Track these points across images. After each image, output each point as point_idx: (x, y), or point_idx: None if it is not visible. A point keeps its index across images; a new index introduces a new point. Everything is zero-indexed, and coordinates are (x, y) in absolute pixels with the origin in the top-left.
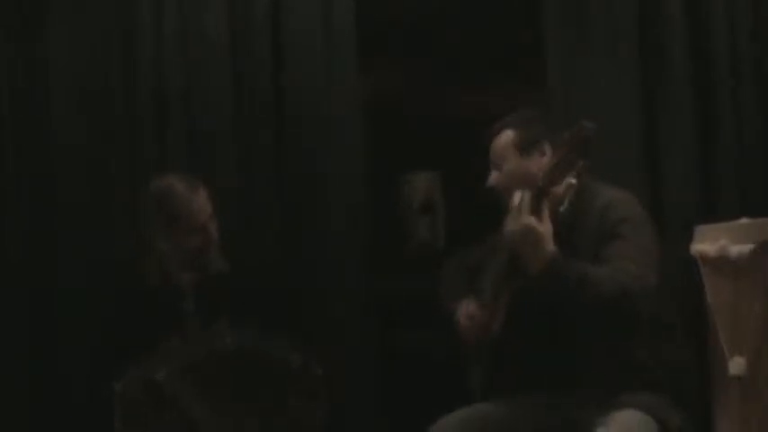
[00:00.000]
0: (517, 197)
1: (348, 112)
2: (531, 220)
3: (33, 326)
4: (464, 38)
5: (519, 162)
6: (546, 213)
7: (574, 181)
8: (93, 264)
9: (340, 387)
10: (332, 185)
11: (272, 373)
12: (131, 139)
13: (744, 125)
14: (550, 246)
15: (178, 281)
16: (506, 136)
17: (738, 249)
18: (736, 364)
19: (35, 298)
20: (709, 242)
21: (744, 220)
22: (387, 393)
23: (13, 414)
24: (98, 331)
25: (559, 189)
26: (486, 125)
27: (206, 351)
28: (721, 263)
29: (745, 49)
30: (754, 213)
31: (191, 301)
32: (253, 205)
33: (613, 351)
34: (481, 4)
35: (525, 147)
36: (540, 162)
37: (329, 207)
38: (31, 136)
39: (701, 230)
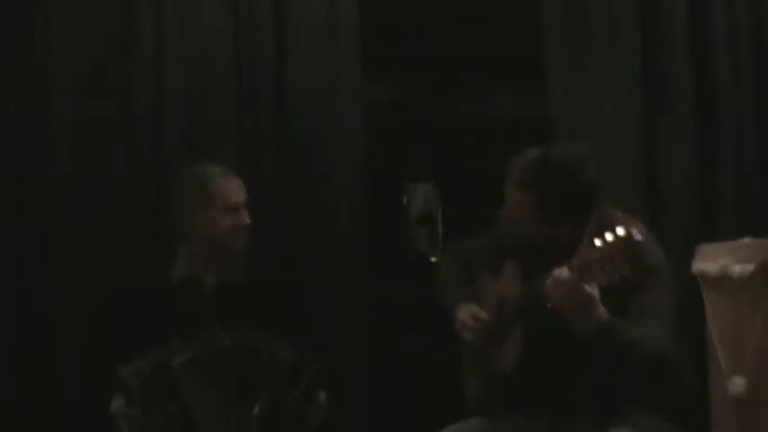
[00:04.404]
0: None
1: (351, 113)
2: (581, 284)
3: (33, 326)
4: (468, 43)
5: None
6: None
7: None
8: (93, 264)
9: (341, 389)
10: (334, 188)
11: (269, 369)
12: (130, 139)
13: (746, 142)
14: (602, 310)
15: (201, 279)
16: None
17: (740, 269)
18: (736, 384)
19: (35, 298)
20: (710, 261)
21: (746, 240)
22: (388, 397)
23: (12, 414)
24: (97, 331)
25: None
26: (491, 131)
27: (211, 348)
28: (723, 282)
29: (747, 57)
30: (756, 233)
31: (210, 302)
32: (254, 206)
33: (612, 372)
34: (485, 10)
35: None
36: None
37: (331, 209)
38: (29, 136)
39: (703, 249)
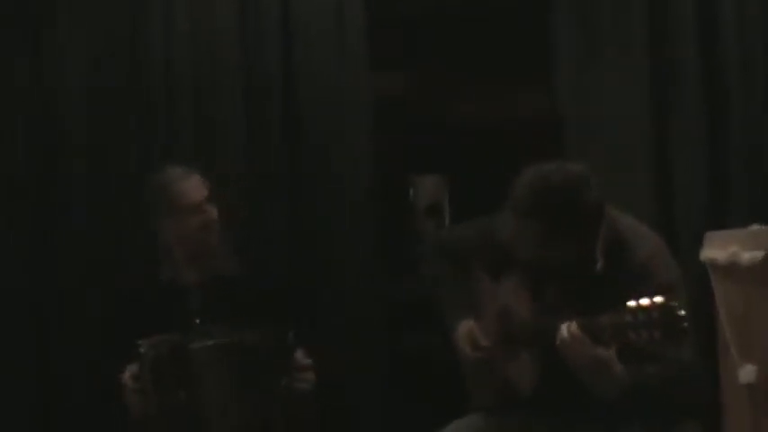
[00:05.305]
0: (564, 329)
1: (359, 111)
2: (600, 350)
3: (33, 326)
4: (474, 41)
5: None
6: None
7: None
8: (96, 263)
9: (342, 389)
10: (341, 186)
11: (255, 362)
12: (140, 137)
13: (755, 132)
14: (619, 370)
15: (184, 279)
16: None
17: (750, 256)
18: (747, 372)
19: (36, 298)
20: (719, 248)
21: (755, 227)
22: (389, 396)
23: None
24: (98, 331)
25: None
26: (496, 129)
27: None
28: (732, 269)
29: (757, 56)
30: (765, 220)
31: (195, 299)
32: (262, 204)
33: None
34: (492, 9)
35: None
36: None
37: (334, 208)
38: (38, 132)
39: (712, 237)
